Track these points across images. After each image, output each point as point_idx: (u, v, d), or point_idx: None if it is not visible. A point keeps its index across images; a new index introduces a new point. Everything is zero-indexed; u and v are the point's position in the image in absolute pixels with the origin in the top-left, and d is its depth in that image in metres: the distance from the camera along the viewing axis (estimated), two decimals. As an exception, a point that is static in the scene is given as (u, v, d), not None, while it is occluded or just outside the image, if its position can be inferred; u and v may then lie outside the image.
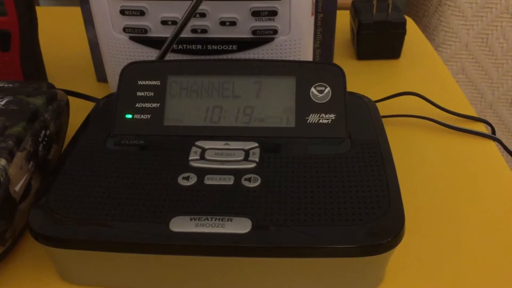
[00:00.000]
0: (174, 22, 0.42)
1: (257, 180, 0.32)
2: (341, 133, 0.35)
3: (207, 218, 0.29)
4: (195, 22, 0.42)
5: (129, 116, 0.36)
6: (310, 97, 0.36)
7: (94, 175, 0.32)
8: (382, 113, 0.40)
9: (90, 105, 0.45)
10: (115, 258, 0.29)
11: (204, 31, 0.43)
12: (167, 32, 0.42)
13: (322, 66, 0.37)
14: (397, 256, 0.33)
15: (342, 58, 0.60)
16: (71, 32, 0.66)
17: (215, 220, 0.29)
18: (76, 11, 0.68)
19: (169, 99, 0.37)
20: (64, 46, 0.62)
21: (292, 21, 0.42)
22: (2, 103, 0.36)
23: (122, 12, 0.42)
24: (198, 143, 0.35)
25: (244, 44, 0.43)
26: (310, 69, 0.37)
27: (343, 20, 0.66)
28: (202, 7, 0.41)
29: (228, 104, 0.36)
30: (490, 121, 0.52)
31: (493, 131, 0.47)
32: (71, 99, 0.43)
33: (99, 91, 0.52)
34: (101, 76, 0.54)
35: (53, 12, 0.72)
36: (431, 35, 1.06)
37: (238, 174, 0.32)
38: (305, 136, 0.35)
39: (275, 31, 0.42)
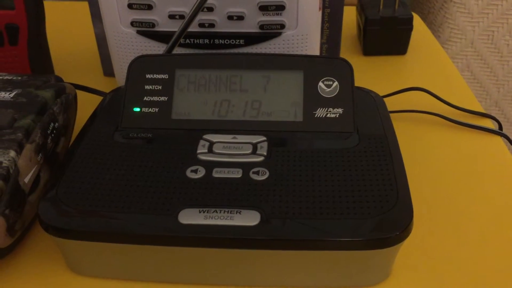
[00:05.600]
0: (181, 16, 0.42)
1: (265, 173, 0.32)
2: (348, 127, 0.35)
3: (215, 210, 0.29)
4: (202, 16, 0.42)
5: (137, 109, 0.37)
6: (318, 91, 0.36)
7: (103, 168, 0.32)
8: (389, 109, 0.40)
9: (97, 99, 0.45)
10: (124, 249, 0.29)
11: (211, 25, 0.43)
12: (174, 26, 0.42)
13: (330, 61, 0.37)
14: (404, 250, 0.33)
15: (349, 53, 0.60)
16: (78, 27, 0.66)
17: (224, 212, 0.29)
18: (83, 5, 0.69)
19: (177, 92, 0.37)
20: (71, 41, 0.63)
21: (299, 15, 0.42)
22: (11, 95, 0.36)
23: (130, 6, 0.42)
24: (206, 136, 0.35)
25: (251, 39, 0.43)
26: (318, 63, 0.37)
27: (349, 16, 0.66)
28: (210, 1, 0.41)
29: (236, 98, 0.36)
30: (496, 118, 0.52)
31: (500, 127, 0.47)
32: (78, 93, 0.43)
33: (106, 85, 0.52)
34: (108, 71, 0.54)
35: (60, 6, 0.72)
36: (437, 32, 1.06)
37: (246, 167, 0.32)
38: (313, 130, 0.35)
39: (282, 26, 0.42)
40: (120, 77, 0.47)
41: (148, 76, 0.37)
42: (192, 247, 0.29)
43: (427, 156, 0.42)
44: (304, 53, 0.43)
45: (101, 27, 0.51)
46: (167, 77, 0.37)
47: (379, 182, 0.31)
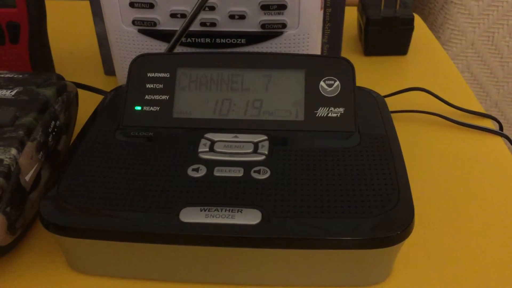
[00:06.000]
0: (183, 15, 0.42)
1: (267, 172, 0.32)
2: (350, 127, 0.35)
3: (217, 209, 0.29)
4: (204, 15, 0.42)
5: (138, 108, 0.37)
6: (319, 90, 0.36)
7: (104, 166, 0.32)
8: (390, 109, 0.40)
9: (98, 98, 0.45)
10: (125, 248, 0.29)
11: (213, 24, 0.43)
12: (176, 25, 0.42)
13: (332, 60, 0.37)
14: (405, 249, 0.33)
15: (350, 53, 0.60)
16: (79, 25, 0.66)
17: (225, 211, 0.29)
18: (85, 4, 0.69)
19: (178, 91, 0.37)
20: (72, 39, 0.63)
21: (301, 15, 0.42)
22: (13, 93, 0.36)
23: (132, 4, 0.42)
24: (207, 135, 0.35)
25: (252, 38, 0.43)
26: (320, 62, 0.37)
27: (350, 16, 0.66)
28: (212, 0, 0.41)
29: (237, 97, 0.36)
30: (496, 119, 0.52)
31: (501, 127, 0.47)
32: (79, 91, 0.43)
33: (107, 84, 0.52)
34: (109, 70, 0.54)
35: (61, 5, 0.72)
36: (437, 33, 1.06)
37: (247, 166, 0.32)
38: (314, 130, 0.35)
39: (284, 25, 0.42)
40: (121, 75, 0.47)
41: (149, 74, 0.37)
42: (193, 245, 0.29)
43: (428, 156, 0.42)
44: (305, 52, 0.43)
45: (103, 25, 0.51)
46: (169, 75, 0.37)
47: (380, 182, 0.31)
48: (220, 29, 0.43)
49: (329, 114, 0.36)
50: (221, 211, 0.29)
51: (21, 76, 0.38)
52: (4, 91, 0.36)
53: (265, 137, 0.35)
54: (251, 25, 0.43)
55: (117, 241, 0.29)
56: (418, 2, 1.18)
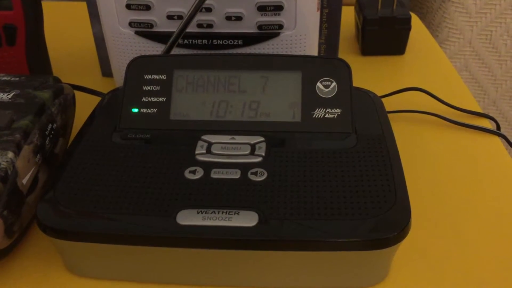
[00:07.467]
0: (180, 17, 0.42)
1: (264, 174, 0.32)
2: (347, 128, 0.35)
3: (214, 211, 0.29)
4: (201, 17, 0.42)
5: (135, 110, 0.37)
6: (316, 91, 0.36)
7: (101, 169, 0.32)
8: (387, 109, 0.40)
9: (96, 99, 0.45)
10: (122, 251, 0.29)
11: (209, 26, 0.43)
12: (173, 27, 0.42)
13: (328, 61, 0.37)
14: (402, 251, 0.33)
15: (347, 53, 0.60)
16: (76, 27, 0.66)
17: (222, 213, 0.29)
18: (82, 6, 0.69)
19: (175, 93, 0.37)
20: (70, 41, 0.63)
21: (298, 16, 0.42)
22: (9, 96, 0.36)
23: (128, 6, 0.42)
24: (204, 137, 0.35)
25: (249, 39, 0.43)
26: (316, 63, 0.37)
27: (347, 15, 0.66)
28: (208, 1, 0.41)
29: (234, 99, 0.36)
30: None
31: (498, 127, 0.47)
32: (76, 93, 0.43)
33: (104, 86, 0.52)
34: (106, 71, 0.54)
35: (58, 7, 0.72)
36: (435, 32, 1.06)
37: (244, 168, 0.32)
38: (311, 131, 0.35)
39: (280, 26, 0.42)
40: (119, 77, 0.47)
41: (146, 76, 0.37)
42: (190, 248, 0.29)
43: (425, 156, 0.42)
44: (302, 53, 0.43)
45: (100, 27, 0.51)
46: (165, 77, 0.37)
47: (377, 183, 0.31)
48: (217, 30, 0.43)
49: (326, 115, 0.36)
50: (218, 213, 0.29)
51: (17, 79, 0.38)
52: (1, 94, 0.36)
53: (262, 139, 0.35)
54: (248, 26, 0.43)
55: (114, 244, 0.29)
56: (416, 1, 1.18)
